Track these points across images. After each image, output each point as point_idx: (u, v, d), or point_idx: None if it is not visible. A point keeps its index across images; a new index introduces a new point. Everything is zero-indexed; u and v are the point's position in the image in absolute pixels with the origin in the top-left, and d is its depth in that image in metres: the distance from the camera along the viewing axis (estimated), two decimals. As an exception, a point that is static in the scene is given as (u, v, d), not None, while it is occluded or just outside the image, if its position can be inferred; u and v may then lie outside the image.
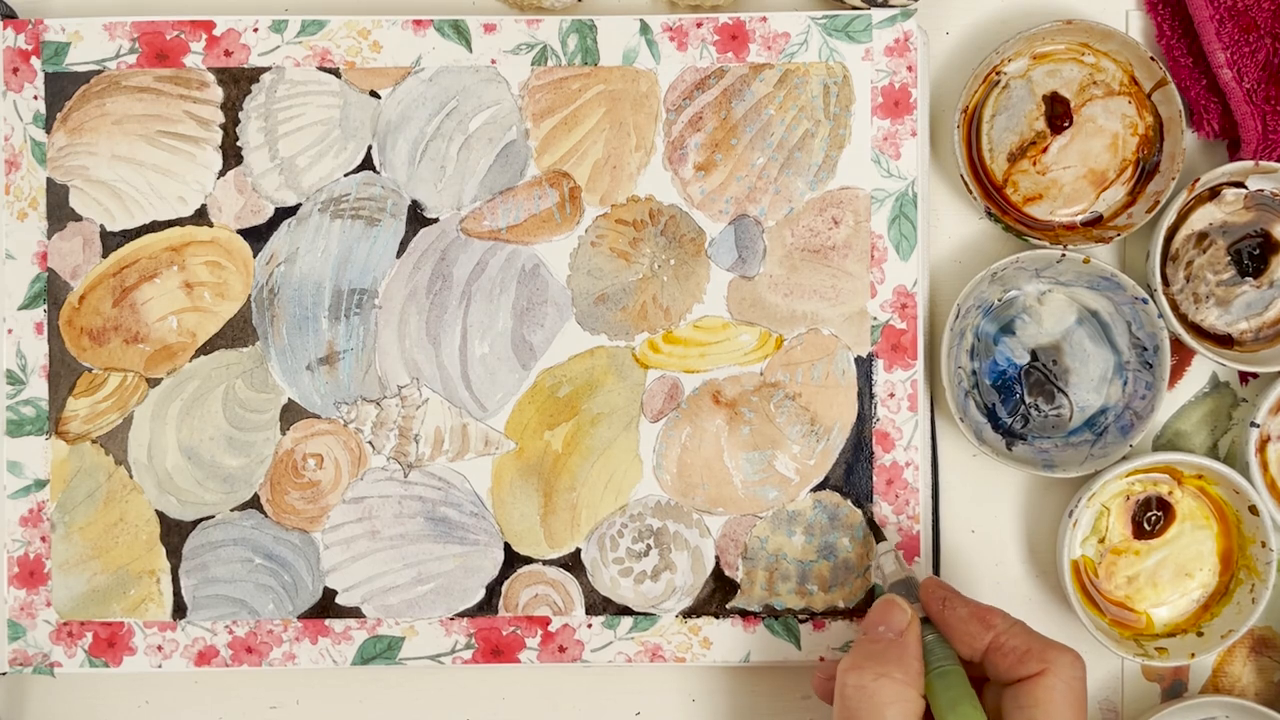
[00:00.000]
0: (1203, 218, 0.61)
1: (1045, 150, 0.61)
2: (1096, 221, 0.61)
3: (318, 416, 0.61)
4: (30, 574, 0.60)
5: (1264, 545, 0.59)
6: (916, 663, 0.52)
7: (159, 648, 0.61)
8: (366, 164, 0.61)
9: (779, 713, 0.63)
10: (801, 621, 0.60)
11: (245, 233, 0.61)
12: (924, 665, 0.52)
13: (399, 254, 0.61)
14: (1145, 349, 0.60)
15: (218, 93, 0.61)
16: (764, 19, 0.60)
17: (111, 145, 0.61)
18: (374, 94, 0.61)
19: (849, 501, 0.60)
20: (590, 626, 0.61)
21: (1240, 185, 0.61)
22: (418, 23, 0.60)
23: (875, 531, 0.59)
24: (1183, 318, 0.61)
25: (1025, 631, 0.52)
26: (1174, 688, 0.63)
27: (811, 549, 0.60)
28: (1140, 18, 0.63)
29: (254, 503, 0.61)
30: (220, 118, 0.61)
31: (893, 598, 0.55)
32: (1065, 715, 0.50)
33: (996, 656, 0.52)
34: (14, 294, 0.61)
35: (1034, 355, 0.61)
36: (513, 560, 0.61)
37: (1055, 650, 0.51)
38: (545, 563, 0.61)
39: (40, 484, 0.61)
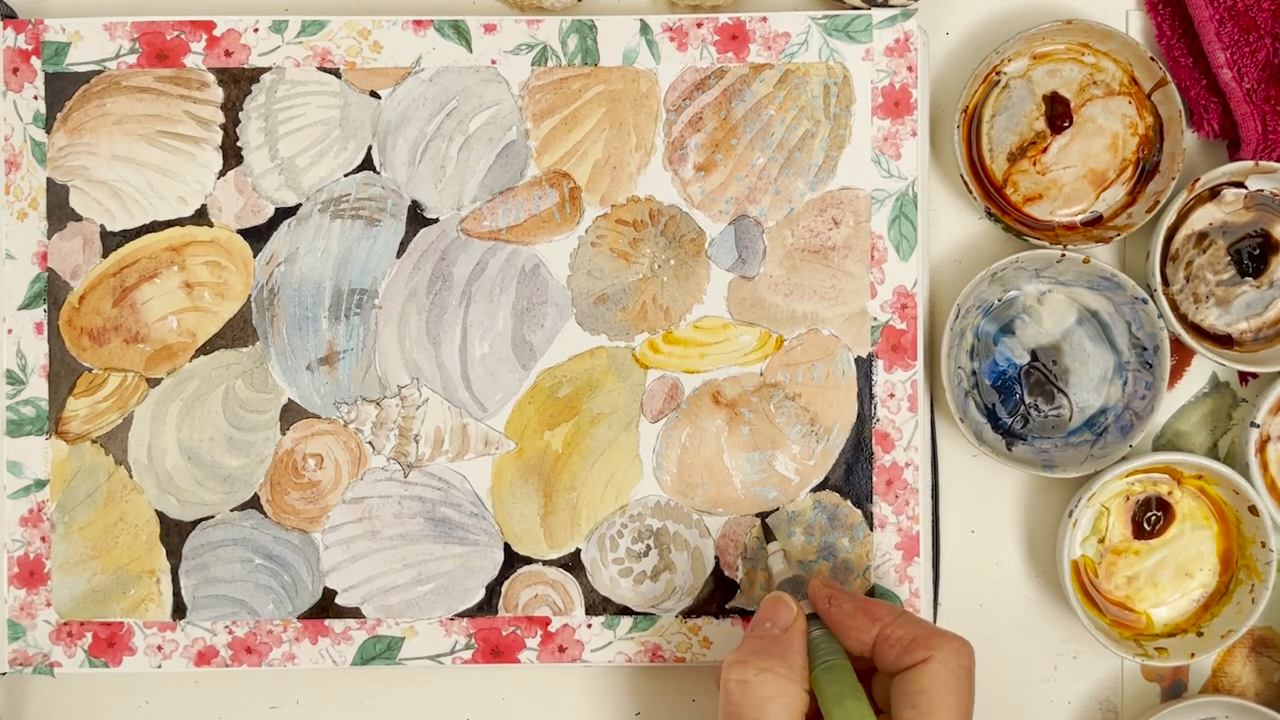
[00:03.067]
0: (1203, 218, 0.61)
1: (1045, 150, 0.61)
2: (1096, 221, 0.61)
3: (318, 416, 0.61)
4: (30, 574, 0.60)
5: (1264, 545, 0.59)
6: (800, 657, 0.52)
7: (159, 648, 0.61)
8: (366, 164, 0.61)
9: (779, 713, 0.63)
10: (801, 621, 0.60)
11: (245, 233, 0.61)
12: (811, 660, 0.52)
13: (399, 254, 0.61)
14: (1145, 349, 0.60)
15: (218, 93, 0.61)
16: (764, 19, 0.60)
17: (112, 145, 0.61)
18: (374, 94, 0.61)
19: (849, 502, 0.60)
20: (590, 626, 0.61)
21: (1240, 185, 0.61)
22: (418, 23, 0.60)
23: (766, 532, 0.60)
24: (1183, 318, 0.61)
25: (911, 622, 0.52)
26: (1174, 688, 0.63)
27: (811, 549, 0.60)
28: (1140, 18, 0.63)
29: (254, 503, 0.61)
30: (220, 118, 0.61)
31: (779, 595, 0.55)
32: (949, 699, 0.50)
33: (884, 648, 0.52)
34: (14, 294, 0.61)
35: (1034, 355, 0.61)
36: (513, 560, 0.61)
37: (940, 637, 0.51)
38: (545, 563, 0.61)
39: (40, 484, 0.61)
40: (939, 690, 0.50)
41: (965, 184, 0.60)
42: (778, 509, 0.61)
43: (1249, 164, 0.59)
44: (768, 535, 0.59)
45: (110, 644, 0.60)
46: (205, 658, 0.61)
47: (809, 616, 0.54)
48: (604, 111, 0.61)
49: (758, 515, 0.60)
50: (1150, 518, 0.62)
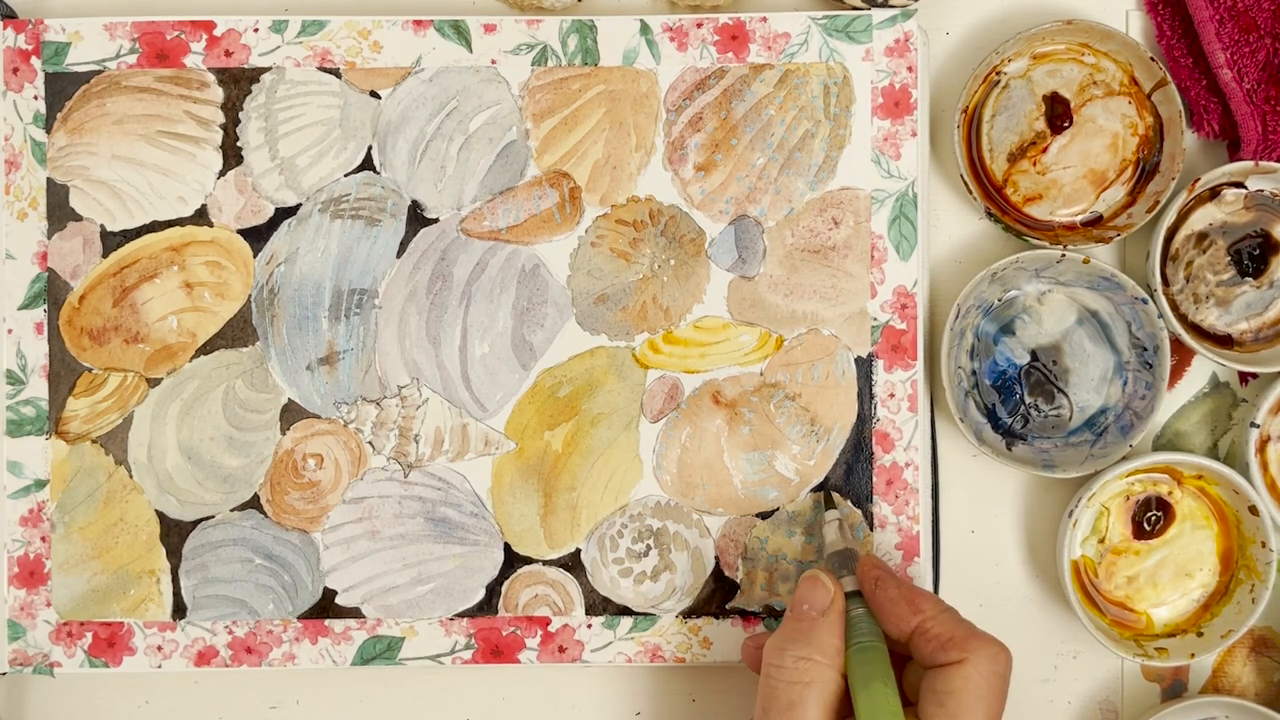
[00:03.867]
0: (1203, 218, 0.61)
1: (1045, 150, 0.61)
2: (1096, 221, 0.61)
3: (318, 416, 0.61)
4: (30, 574, 0.60)
5: (1264, 545, 0.59)
6: (836, 641, 0.52)
7: (159, 648, 0.61)
8: (367, 164, 0.61)
9: (779, 713, 0.63)
10: (801, 621, 0.60)
11: (245, 233, 0.61)
12: (847, 638, 0.53)
13: (399, 254, 0.61)
14: (1145, 349, 0.60)
15: (218, 93, 0.61)
16: (764, 19, 0.60)
17: (112, 145, 0.61)
18: (374, 94, 0.61)
19: (849, 502, 0.60)
20: (590, 626, 0.61)
21: (1240, 185, 0.61)
22: (418, 23, 0.60)
23: (827, 499, 0.60)
24: (1183, 318, 0.61)
25: (952, 619, 0.52)
26: (1174, 688, 0.63)
27: (811, 549, 0.60)
28: (1140, 18, 0.63)
29: (254, 503, 0.61)
30: (220, 118, 0.61)
31: (816, 574, 0.54)
32: (978, 706, 0.50)
33: (921, 641, 0.52)
34: (14, 294, 0.61)
35: (1034, 355, 0.61)
36: (513, 560, 0.61)
37: (978, 640, 0.51)
38: (545, 563, 0.61)
39: (40, 484, 0.61)
40: (969, 694, 0.49)
41: (965, 184, 0.60)
42: (778, 509, 0.61)
43: (1249, 164, 0.59)
44: (828, 502, 0.59)
45: (110, 644, 0.60)
46: (205, 658, 0.61)
47: (853, 594, 0.54)
48: (604, 111, 0.61)
49: (760, 513, 0.60)
50: (1150, 518, 0.62)
